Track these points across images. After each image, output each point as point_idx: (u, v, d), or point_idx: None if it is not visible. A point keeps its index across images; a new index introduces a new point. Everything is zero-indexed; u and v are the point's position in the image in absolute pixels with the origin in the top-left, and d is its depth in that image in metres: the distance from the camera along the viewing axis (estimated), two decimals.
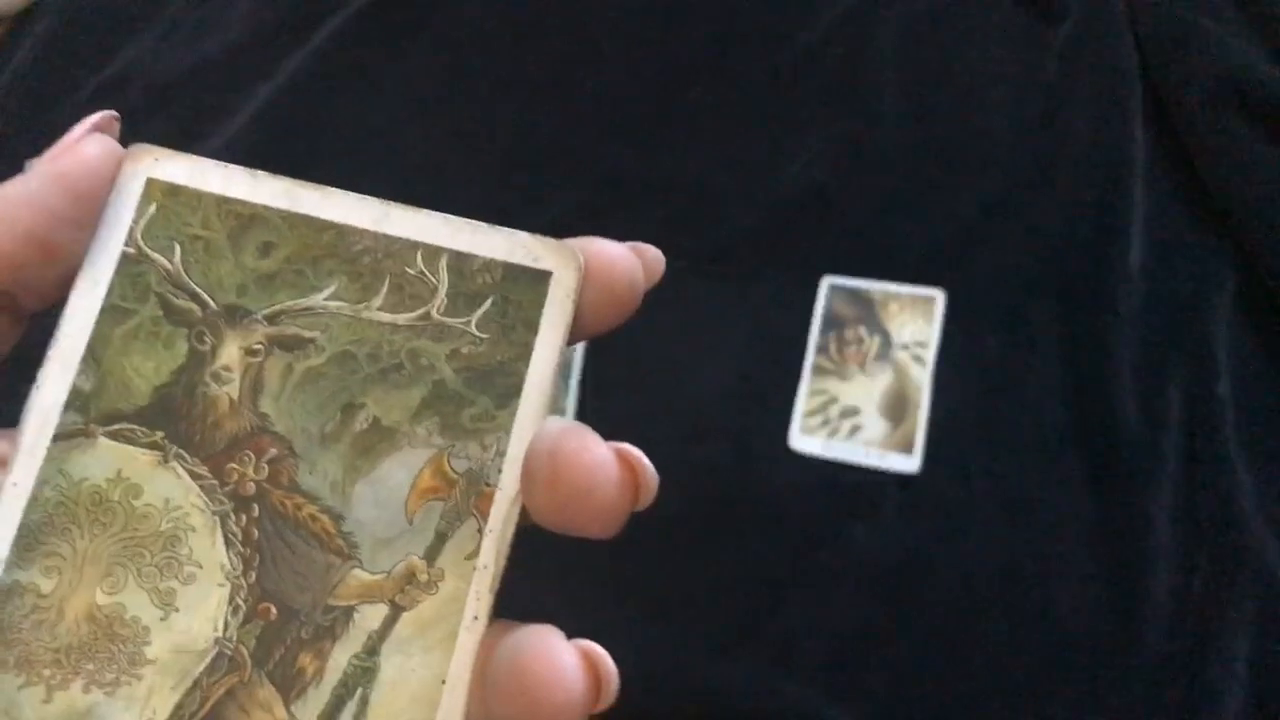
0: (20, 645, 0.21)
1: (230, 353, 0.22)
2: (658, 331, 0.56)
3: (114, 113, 0.23)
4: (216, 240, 0.23)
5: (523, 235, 0.23)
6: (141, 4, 0.74)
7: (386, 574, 0.21)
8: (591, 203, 0.62)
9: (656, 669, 0.50)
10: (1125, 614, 0.50)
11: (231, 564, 0.21)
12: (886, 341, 0.58)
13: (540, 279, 0.23)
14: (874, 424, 0.56)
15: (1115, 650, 0.49)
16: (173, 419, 0.22)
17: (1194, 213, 0.59)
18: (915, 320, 0.58)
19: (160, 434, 0.22)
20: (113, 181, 0.23)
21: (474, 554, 0.22)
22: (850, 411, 0.56)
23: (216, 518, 0.22)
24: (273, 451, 0.22)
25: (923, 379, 0.56)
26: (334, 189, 0.23)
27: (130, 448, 0.22)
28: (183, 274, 0.23)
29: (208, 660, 0.21)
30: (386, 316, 0.23)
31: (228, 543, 0.21)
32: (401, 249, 0.23)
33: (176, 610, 0.21)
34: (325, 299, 0.23)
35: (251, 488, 0.22)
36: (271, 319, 0.22)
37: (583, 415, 0.54)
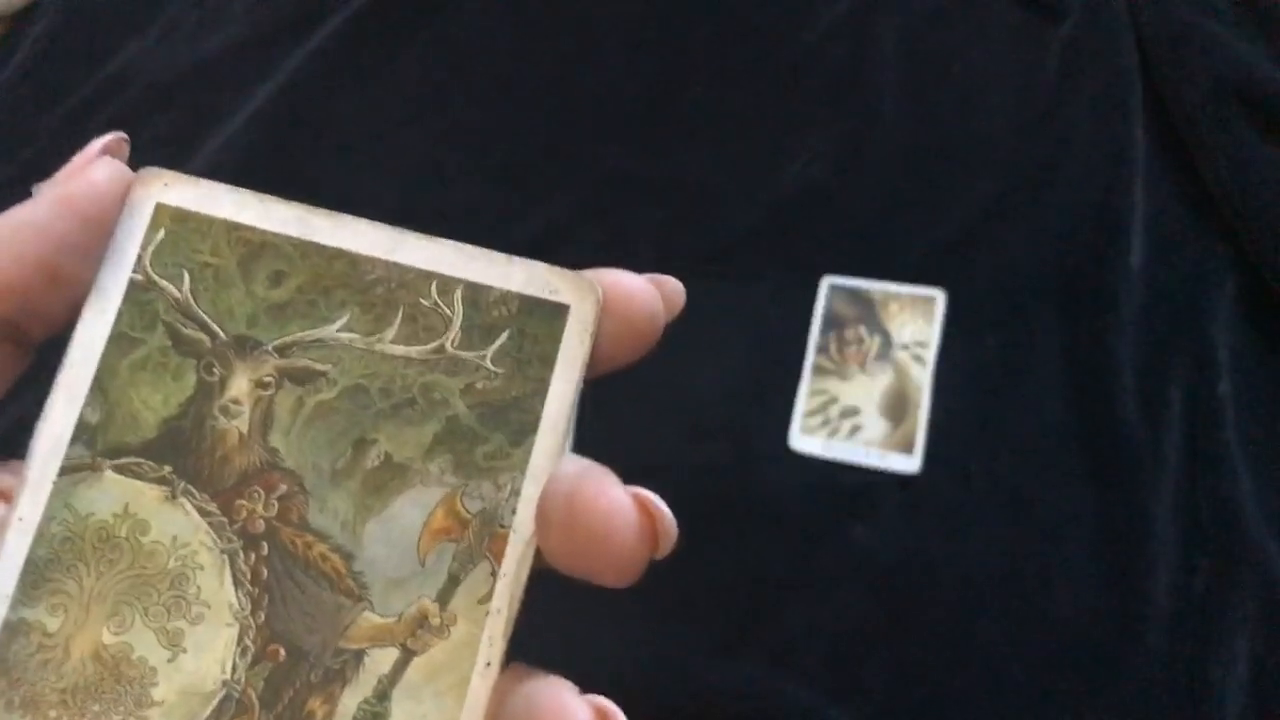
0: (25, 685, 0.20)
1: (240, 385, 0.22)
2: None
3: (123, 135, 0.23)
4: (226, 268, 0.22)
5: (540, 267, 0.23)
6: (141, 4, 0.74)
7: (398, 617, 0.21)
8: (591, 203, 0.62)
9: (656, 669, 0.50)
10: (1125, 614, 0.50)
11: (240, 604, 0.21)
12: (887, 341, 0.58)
13: (558, 312, 0.22)
14: (874, 424, 0.56)
15: (1115, 650, 0.49)
16: (181, 453, 0.21)
17: (1194, 213, 0.59)
18: (915, 320, 0.58)
19: (168, 468, 0.21)
20: (121, 206, 0.22)
21: (487, 598, 0.21)
22: (850, 411, 0.56)
23: (225, 556, 0.21)
24: (283, 488, 0.21)
25: (923, 379, 0.56)
26: (346, 215, 0.23)
27: (138, 483, 0.21)
28: (192, 302, 0.22)
29: (215, 702, 0.21)
30: (400, 349, 0.22)
31: (236, 582, 0.21)
32: (415, 279, 0.22)
33: (184, 651, 0.21)
34: (337, 330, 0.22)
35: (261, 525, 0.21)
36: (282, 350, 0.22)
37: (582, 416, 0.54)
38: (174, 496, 0.21)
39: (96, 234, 0.22)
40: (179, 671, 0.21)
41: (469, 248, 0.23)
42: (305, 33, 0.70)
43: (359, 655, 0.21)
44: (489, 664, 0.21)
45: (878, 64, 0.65)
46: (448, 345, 0.22)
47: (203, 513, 0.21)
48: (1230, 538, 0.51)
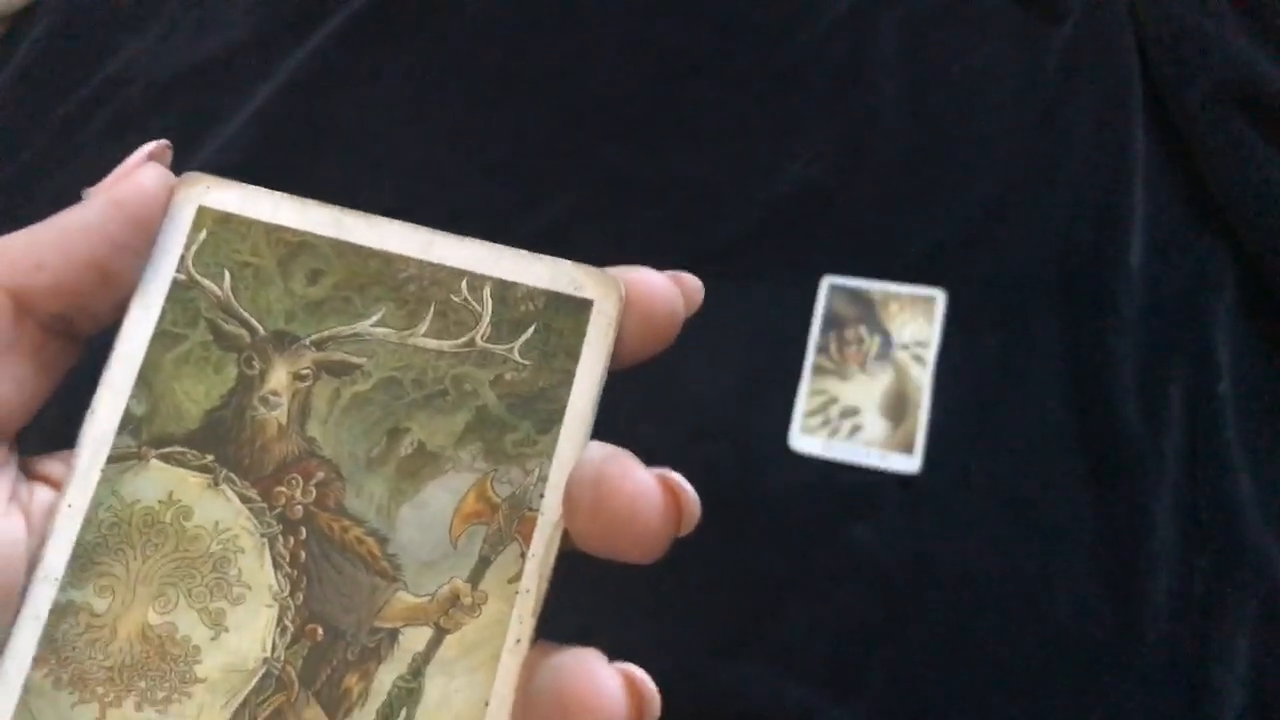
0: (74, 663, 0.21)
1: (279, 378, 0.23)
2: None
3: (167, 142, 0.24)
4: (266, 267, 0.23)
5: (566, 264, 0.24)
6: (141, 4, 0.74)
7: (431, 596, 0.22)
8: (591, 203, 0.62)
9: (656, 669, 0.50)
10: (1125, 614, 0.50)
11: (279, 585, 0.22)
12: (887, 341, 0.58)
13: (582, 307, 0.23)
14: (874, 424, 0.56)
15: (1115, 650, 0.49)
16: (222, 442, 0.23)
17: (1194, 213, 0.59)
18: (915, 320, 0.58)
19: (210, 457, 0.22)
20: (165, 209, 0.23)
21: (517, 578, 0.22)
22: (850, 411, 0.56)
23: (265, 540, 0.22)
24: (320, 475, 0.22)
25: (923, 379, 0.56)
26: (380, 217, 0.24)
27: (181, 470, 0.22)
28: (232, 300, 0.23)
29: (256, 680, 0.21)
30: (432, 343, 0.23)
31: (275, 564, 0.22)
32: (446, 276, 0.23)
33: (226, 630, 0.22)
34: (372, 325, 0.23)
35: (299, 510, 0.22)
36: (319, 345, 0.23)
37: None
38: (216, 484, 0.22)
39: (144, 235, 0.23)
40: (221, 650, 0.22)
41: (498, 246, 0.24)
42: (305, 33, 0.70)
43: (394, 634, 0.22)
44: (519, 641, 0.22)
45: (878, 64, 0.65)
46: (478, 339, 0.23)
47: (243, 499, 0.22)
48: (1230, 538, 0.51)
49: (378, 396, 0.23)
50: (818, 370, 0.58)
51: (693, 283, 0.24)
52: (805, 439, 0.56)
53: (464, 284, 0.23)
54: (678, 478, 0.21)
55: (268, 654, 0.21)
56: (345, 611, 0.22)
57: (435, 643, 0.22)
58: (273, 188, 0.24)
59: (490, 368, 0.23)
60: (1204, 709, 0.48)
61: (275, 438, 0.23)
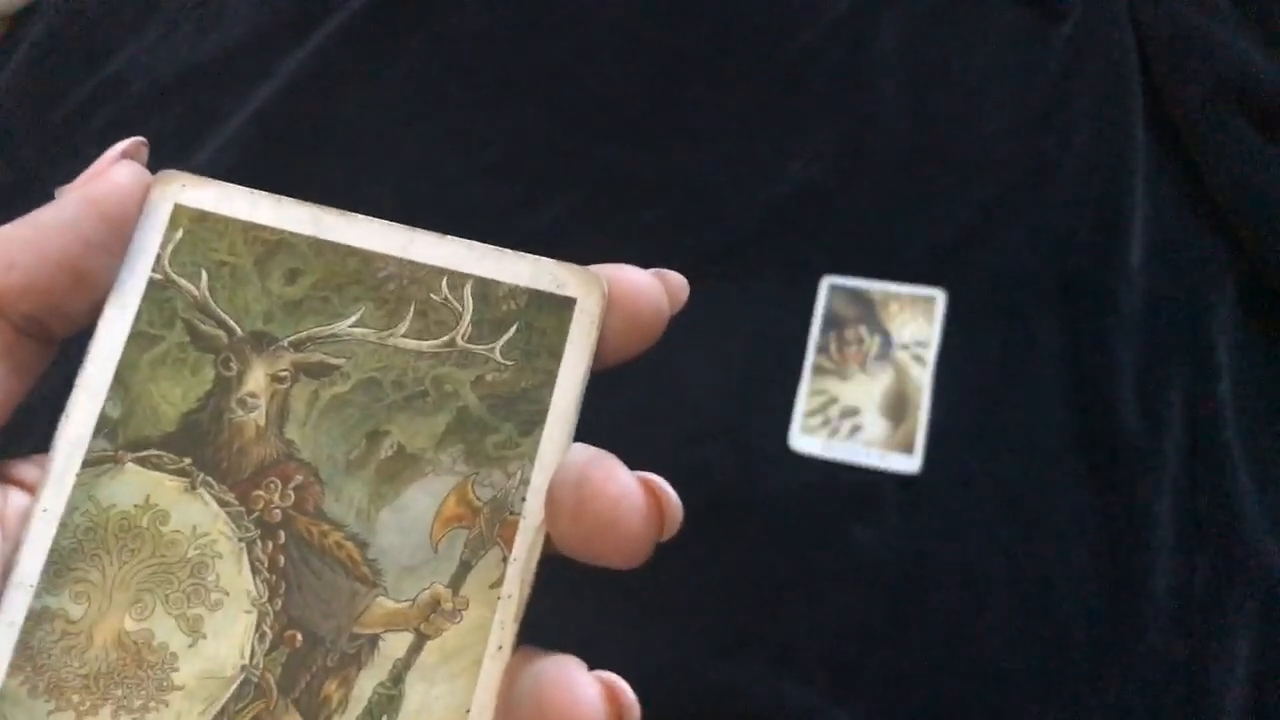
0: (50, 671, 0.21)
1: (257, 379, 0.22)
2: None
3: (142, 139, 0.24)
4: (243, 266, 0.23)
5: (547, 262, 0.23)
6: (141, 4, 0.74)
7: (411, 602, 0.22)
8: (591, 203, 0.62)
9: (656, 669, 0.50)
10: (1125, 614, 0.50)
11: (258, 591, 0.21)
12: (887, 341, 0.58)
13: (565, 305, 0.23)
14: (874, 424, 0.56)
15: (1115, 650, 0.49)
16: (200, 445, 0.22)
17: (1194, 213, 0.59)
18: (915, 320, 0.58)
19: (187, 460, 0.22)
20: (141, 208, 0.23)
21: (498, 583, 0.22)
22: (850, 411, 0.56)
23: (243, 544, 0.22)
24: (298, 478, 0.22)
25: (923, 379, 0.56)
26: (359, 215, 0.23)
27: (158, 474, 0.22)
28: (209, 300, 0.23)
29: (234, 687, 0.21)
30: (411, 344, 0.23)
31: (254, 570, 0.22)
32: (426, 275, 0.23)
33: (204, 637, 0.21)
34: (351, 325, 0.23)
35: (278, 514, 0.22)
36: (298, 346, 0.23)
37: (581, 417, 0.54)
38: (193, 487, 0.22)
39: (119, 234, 0.23)
40: (199, 657, 0.21)
41: (478, 245, 0.23)
42: (305, 33, 0.70)
43: (374, 640, 0.21)
44: (500, 647, 0.21)
45: (878, 64, 0.65)
46: (458, 339, 0.23)
47: (221, 503, 0.22)
48: (1230, 538, 0.51)
49: (357, 398, 0.22)
50: (818, 370, 0.58)
51: (677, 280, 0.23)
52: (805, 439, 0.56)
53: (444, 283, 0.23)
54: (660, 481, 0.21)
55: (246, 661, 0.21)
56: (325, 617, 0.21)
57: (416, 649, 0.21)
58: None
59: (471, 368, 0.23)
60: (1204, 709, 0.48)
61: (253, 440, 0.22)
